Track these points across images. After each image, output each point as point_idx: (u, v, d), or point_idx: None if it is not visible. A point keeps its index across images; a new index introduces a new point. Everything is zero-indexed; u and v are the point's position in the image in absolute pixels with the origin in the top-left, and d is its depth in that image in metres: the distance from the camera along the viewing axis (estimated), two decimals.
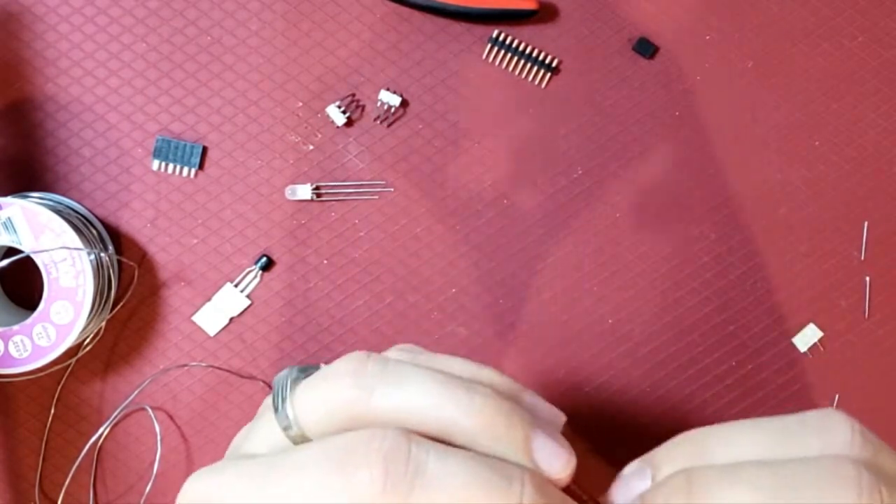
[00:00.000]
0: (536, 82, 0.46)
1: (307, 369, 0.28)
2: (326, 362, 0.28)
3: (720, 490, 0.25)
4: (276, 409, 0.27)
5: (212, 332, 0.46)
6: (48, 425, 0.46)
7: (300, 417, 0.27)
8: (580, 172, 0.46)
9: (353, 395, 0.26)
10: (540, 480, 0.26)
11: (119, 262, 0.46)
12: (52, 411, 0.46)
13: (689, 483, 0.26)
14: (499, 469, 0.26)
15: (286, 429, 0.27)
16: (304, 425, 0.27)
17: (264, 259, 0.46)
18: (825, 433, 0.26)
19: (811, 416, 0.27)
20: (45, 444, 0.46)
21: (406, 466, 0.25)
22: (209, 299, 0.46)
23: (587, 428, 0.47)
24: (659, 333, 0.47)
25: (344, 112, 0.46)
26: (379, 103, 0.46)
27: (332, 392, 0.26)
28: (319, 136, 0.46)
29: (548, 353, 0.47)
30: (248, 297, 0.46)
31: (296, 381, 0.27)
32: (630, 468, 0.29)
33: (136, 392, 0.46)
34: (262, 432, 0.28)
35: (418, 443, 0.25)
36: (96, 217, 0.46)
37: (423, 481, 0.25)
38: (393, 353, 0.30)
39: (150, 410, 0.47)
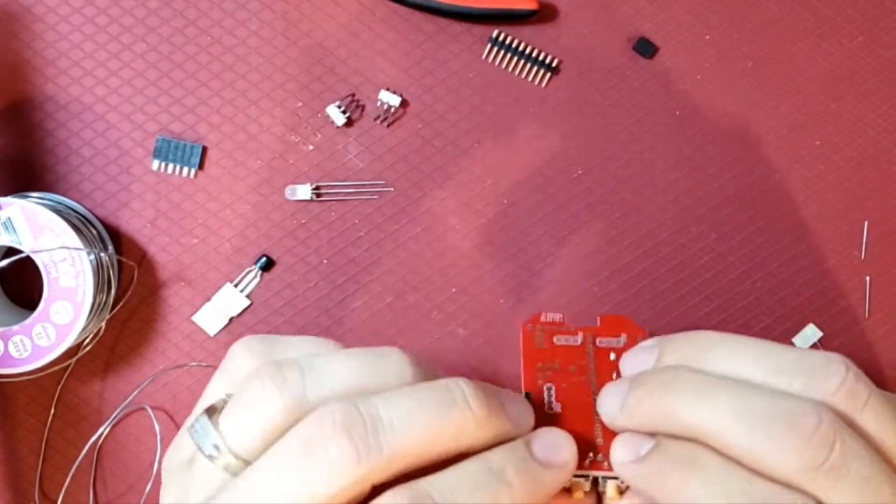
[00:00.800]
0: (536, 82, 0.46)
1: (211, 411, 0.28)
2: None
3: (690, 402, 0.28)
4: (210, 455, 0.27)
5: (212, 332, 0.46)
6: (48, 425, 0.46)
7: (241, 449, 0.27)
8: (580, 172, 0.46)
9: (288, 403, 0.26)
10: (473, 382, 0.28)
11: (119, 262, 0.46)
12: (52, 411, 0.46)
13: (668, 385, 0.28)
14: (435, 386, 0.27)
15: (227, 467, 0.27)
16: (249, 453, 0.27)
17: (264, 259, 0.46)
18: (814, 377, 0.28)
19: (812, 357, 0.28)
20: (45, 444, 0.46)
21: (364, 425, 0.26)
22: (209, 299, 0.46)
23: None
24: (659, 333, 0.47)
25: (344, 112, 0.46)
26: (379, 103, 0.46)
27: (266, 412, 0.27)
28: (319, 136, 0.46)
29: None
30: (248, 297, 0.46)
31: (214, 423, 0.28)
32: (647, 342, 0.32)
33: (136, 392, 0.46)
34: (199, 483, 0.28)
35: (361, 400, 0.26)
36: (96, 217, 0.46)
37: (384, 430, 0.26)
38: (241, 351, 0.31)
39: (150, 410, 0.47)
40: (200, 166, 0.46)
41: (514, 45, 0.46)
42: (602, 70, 0.46)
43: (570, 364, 0.34)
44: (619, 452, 0.30)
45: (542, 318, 0.35)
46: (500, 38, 0.46)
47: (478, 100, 0.46)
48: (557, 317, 0.35)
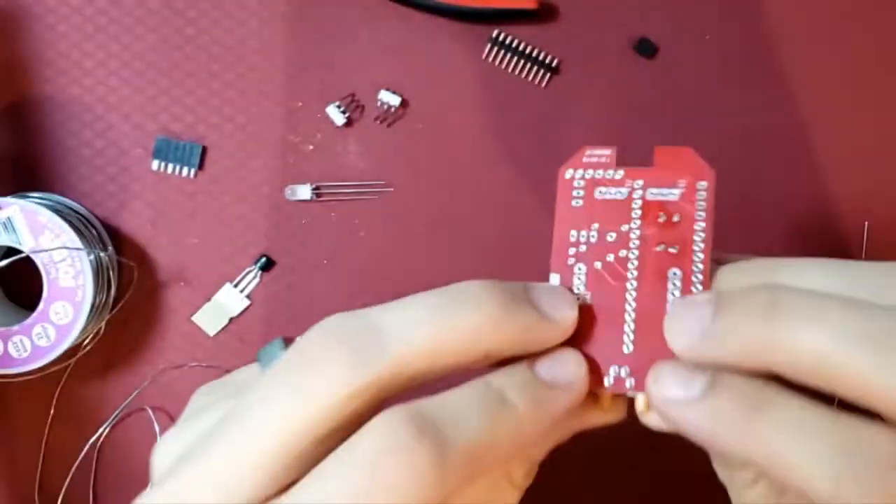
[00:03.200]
0: (536, 82, 0.46)
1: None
2: None
3: (805, 324, 0.23)
4: None
5: (211, 332, 0.46)
6: (48, 425, 0.46)
7: None
8: None
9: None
10: (490, 280, 0.25)
11: (119, 262, 0.45)
12: (52, 412, 0.46)
13: (774, 306, 0.23)
14: (443, 290, 0.25)
15: None
16: None
17: (264, 259, 0.46)
18: None
19: (883, 266, 0.24)
20: (45, 445, 0.46)
21: (364, 332, 0.25)
22: (209, 299, 0.46)
23: None
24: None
25: (344, 112, 0.46)
26: (379, 103, 0.46)
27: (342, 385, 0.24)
28: (319, 136, 0.46)
29: None
30: (247, 297, 0.46)
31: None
32: (699, 297, 0.26)
33: (135, 392, 0.46)
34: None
35: (354, 312, 0.25)
36: (96, 217, 0.46)
37: (386, 337, 0.24)
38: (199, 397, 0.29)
39: (149, 411, 0.47)
40: (200, 166, 0.46)
41: (514, 45, 0.46)
42: (602, 70, 0.46)
43: (609, 230, 0.28)
44: (665, 390, 0.25)
45: (586, 158, 0.30)
46: (500, 38, 0.46)
47: (478, 100, 0.46)
48: (606, 153, 0.30)
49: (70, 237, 0.42)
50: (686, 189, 0.28)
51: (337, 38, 0.46)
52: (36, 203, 0.42)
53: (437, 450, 0.23)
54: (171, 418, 0.47)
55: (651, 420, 0.27)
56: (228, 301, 0.46)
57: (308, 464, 0.23)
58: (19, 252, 0.42)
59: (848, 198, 0.47)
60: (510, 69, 0.46)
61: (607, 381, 0.27)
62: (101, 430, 0.46)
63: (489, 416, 0.24)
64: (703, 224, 0.28)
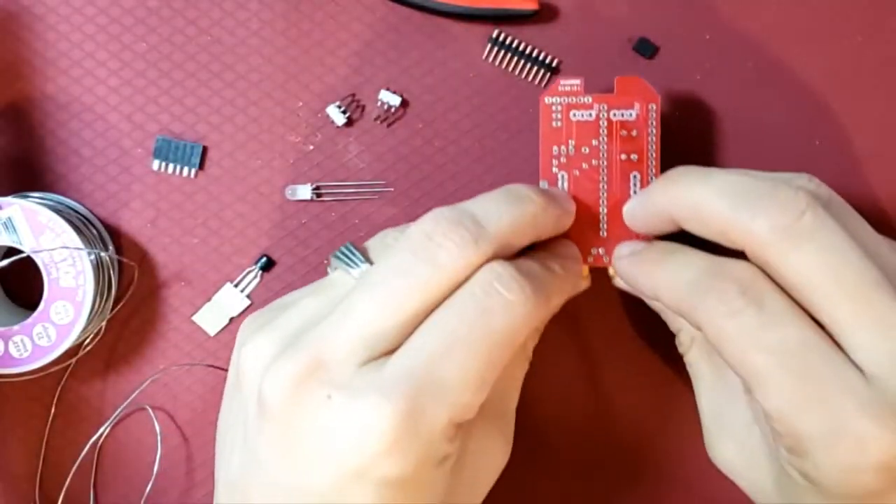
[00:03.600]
0: (536, 82, 0.46)
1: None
2: None
3: (690, 185, 0.33)
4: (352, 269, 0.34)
5: (212, 332, 0.46)
6: (48, 425, 0.46)
7: None
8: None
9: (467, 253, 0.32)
10: (547, 190, 0.36)
11: (119, 262, 0.46)
12: (53, 411, 0.46)
13: (675, 176, 0.34)
14: (506, 189, 0.35)
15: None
16: None
17: (264, 259, 0.46)
18: (789, 179, 0.34)
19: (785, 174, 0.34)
20: (45, 445, 0.46)
21: (468, 219, 0.32)
22: (209, 299, 0.46)
23: (586, 411, 0.47)
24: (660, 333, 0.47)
25: (344, 112, 0.46)
26: (379, 103, 0.46)
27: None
28: (319, 136, 0.46)
29: (547, 352, 0.47)
30: (248, 297, 0.46)
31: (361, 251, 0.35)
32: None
33: (136, 392, 0.46)
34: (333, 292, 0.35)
35: (454, 206, 0.33)
36: (96, 217, 0.46)
37: (485, 222, 0.32)
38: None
39: (150, 410, 0.47)
40: (201, 166, 0.46)
41: (514, 45, 0.46)
42: (602, 70, 0.46)
43: (583, 145, 0.37)
44: (622, 249, 0.37)
45: (561, 87, 0.38)
46: (500, 38, 0.46)
47: (478, 100, 0.46)
48: (576, 82, 0.38)
49: (70, 237, 0.42)
50: (640, 111, 0.37)
51: (337, 38, 0.46)
52: (36, 203, 0.42)
53: (534, 284, 0.32)
54: (171, 418, 0.47)
55: (618, 282, 0.38)
56: (229, 301, 0.46)
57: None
58: (20, 252, 0.42)
59: (848, 196, 0.47)
60: (510, 69, 0.46)
61: (589, 259, 0.38)
62: (101, 430, 0.46)
63: (547, 273, 0.34)
64: (654, 138, 0.38)
